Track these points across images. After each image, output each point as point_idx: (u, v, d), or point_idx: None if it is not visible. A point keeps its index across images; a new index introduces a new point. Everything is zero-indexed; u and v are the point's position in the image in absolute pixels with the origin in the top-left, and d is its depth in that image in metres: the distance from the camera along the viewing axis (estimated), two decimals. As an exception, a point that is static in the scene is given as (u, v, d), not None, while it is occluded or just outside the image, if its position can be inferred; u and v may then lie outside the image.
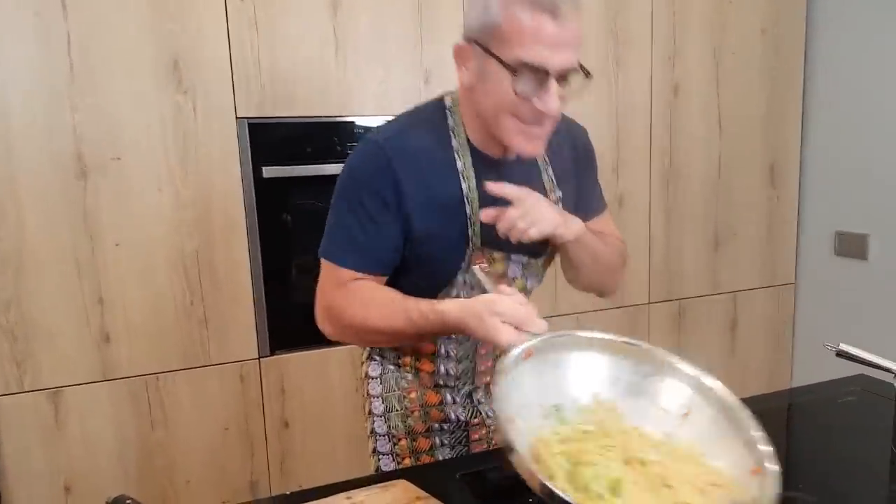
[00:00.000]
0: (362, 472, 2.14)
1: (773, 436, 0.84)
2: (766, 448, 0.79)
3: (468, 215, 1.09)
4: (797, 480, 0.95)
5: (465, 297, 1.05)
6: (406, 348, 1.22)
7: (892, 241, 2.37)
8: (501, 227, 1.01)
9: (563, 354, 0.91)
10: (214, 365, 1.92)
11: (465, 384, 1.24)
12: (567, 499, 0.65)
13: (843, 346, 1.05)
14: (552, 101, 0.97)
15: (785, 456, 0.96)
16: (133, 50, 1.75)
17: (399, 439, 1.24)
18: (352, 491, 0.88)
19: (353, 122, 1.99)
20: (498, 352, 1.17)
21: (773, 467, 0.77)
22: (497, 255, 1.13)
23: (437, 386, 1.22)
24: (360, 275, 1.09)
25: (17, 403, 1.77)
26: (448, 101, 1.12)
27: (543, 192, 1.13)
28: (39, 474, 1.81)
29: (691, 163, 2.46)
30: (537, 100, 0.97)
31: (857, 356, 1.05)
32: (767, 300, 2.67)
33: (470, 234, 1.09)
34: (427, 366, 1.21)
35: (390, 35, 1.99)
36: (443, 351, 1.19)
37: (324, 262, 1.12)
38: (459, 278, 1.11)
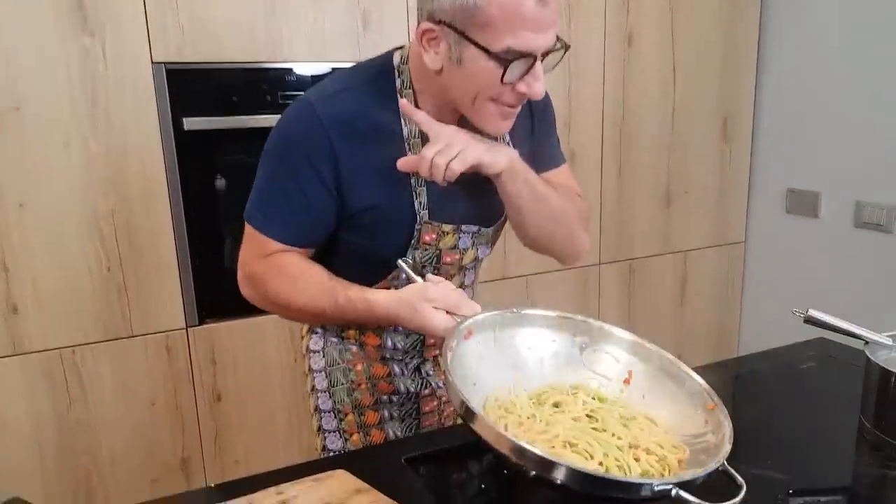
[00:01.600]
0: (303, 445, 2.11)
1: (734, 407, 0.84)
2: (711, 395, 0.87)
3: (413, 186, 1.04)
4: (766, 457, 0.94)
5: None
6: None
7: (843, 199, 2.42)
8: (422, 170, 0.96)
9: (502, 332, 0.96)
10: (137, 336, 1.82)
11: (412, 357, 1.20)
12: (535, 451, 0.70)
13: (812, 312, 1.04)
14: (539, 85, 0.95)
15: (750, 428, 0.96)
16: (29, -16, 1.60)
17: (346, 414, 1.21)
18: (283, 484, 0.82)
19: (284, 68, 1.87)
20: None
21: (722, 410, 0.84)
22: (447, 227, 1.08)
23: (383, 359, 1.19)
24: (284, 246, 1.04)
25: (-87, 382, 1.65)
26: (397, 59, 1.05)
27: None
28: (-57, 459, 1.71)
29: (644, 115, 2.44)
30: (523, 84, 0.94)
31: (827, 323, 1.03)
32: (718, 259, 2.72)
33: (417, 206, 1.04)
34: (372, 339, 1.17)
35: (324, -27, 1.88)
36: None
37: (248, 227, 1.06)
38: (409, 255, 1.07)
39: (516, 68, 0.92)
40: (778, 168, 2.63)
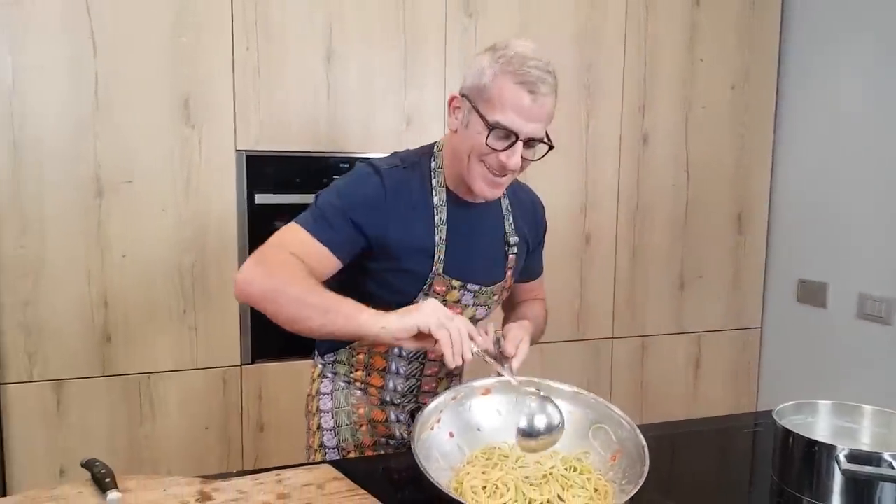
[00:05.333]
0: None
1: (668, 458, 1.15)
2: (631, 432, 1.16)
3: (435, 244, 1.38)
4: (678, 498, 1.21)
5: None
6: (359, 363, 1.49)
7: (848, 290, 2.77)
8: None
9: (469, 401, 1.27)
10: (200, 368, 2.38)
11: (409, 402, 1.49)
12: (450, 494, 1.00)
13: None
14: (514, 157, 1.28)
15: (672, 476, 1.29)
16: (150, 88, 2.24)
17: (348, 452, 1.49)
18: (283, 470, 1.19)
19: (340, 157, 2.47)
20: (442, 374, 1.52)
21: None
22: (455, 282, 1.41)
23: (383, 403, 1.49)
24: (320, 248, 1.30)
25: (25, 391, 2.23)
26: (437, 147, 1.44)
27: (504, 234, 1.48)
28: (39, 458, 2.25)
29: (658, 207, 2.90)
30: (503, 154, 1.28)
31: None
32: (732, 342, 3.09)
33: (435, 259, 1.38)
34: (376, 380, 1.48)
35: (377, 83, 2.48)
36: (392, 367, 1.47)
37: (289, 227, 1.34)
38: (419, 299, 1.38)
39: (499, 138, 1.27)
40: (790, 258, 3.01)
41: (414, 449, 1.07)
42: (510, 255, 1.50)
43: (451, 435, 1.21)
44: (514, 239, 1.50)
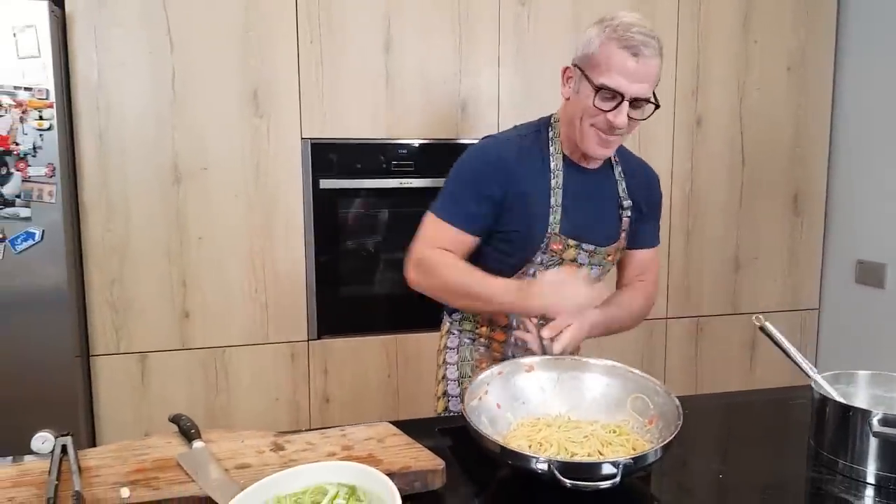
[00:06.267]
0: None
1: (711, 424, 1.18)
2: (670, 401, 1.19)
3: (551, 205, 1.49)
4: (717, 460, 1.26)
5: (540, 275, 1.48)
6: (483, 318, 1.62)
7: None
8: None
9: (564, 373, 1.34)
10: (270, 343, 2.53)
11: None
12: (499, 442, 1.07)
13: (766, 325, 1.37)
14: (621, 116, 1.38)
15: (713, 439, 1.34)
16: (222, 81, 2.39)
17: None
18: (348, 427, 1.28)
19: (398, 143, 2.58)
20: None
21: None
22: (571, 241, 1.50)
23: (504, 358, 1.58)
24: (456, 231, 1.48)
25: (112, 363, 2.42)
26: (553, 118, 1.56)
27: (618, 198, 1.57)
28: (126, 424, 2.44)
29: (712, 189, 2.91)
30: (611, 114, 1.39)
31: (775, 338, 1.36)
32: (789, 323, 3.07)
33: (551, 220, 1.49)
34: (499, 335, 1.60)
35: (433, 70, 2.57)
36: (514, 322, 1.56)
37: (429, 219, 1.51)
38: (538, 258, 1.50)
39: (606, 99, 1.38)
40: (848, 239, 2.99)
41: (464, 409, 1.15)
42: (624, 218, 1.59)
43: (498, 406, 1.29)
44: (627, 202, 1.59)
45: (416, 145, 2.59)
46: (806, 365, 1.34)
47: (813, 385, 1.29)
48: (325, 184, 2.51)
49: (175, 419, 1.29)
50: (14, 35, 2.10)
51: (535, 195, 1.49)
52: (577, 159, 1.53)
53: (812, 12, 2.92)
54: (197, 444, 1.18)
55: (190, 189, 2.41)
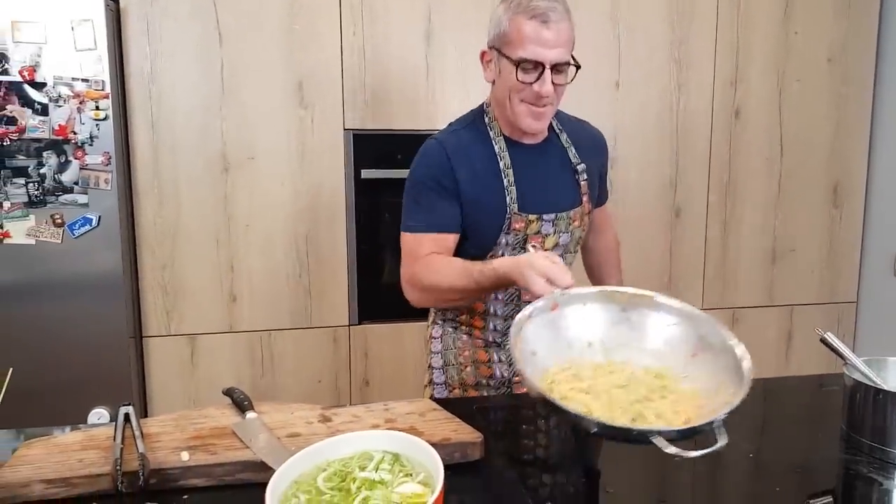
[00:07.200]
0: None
1: (750, 410, 1.10)
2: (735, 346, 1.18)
3: (505, 186, 1.53)
4: (750, 441, 1.26)
5: (508, 256, 1.49)
6: (462, 308, 1.64)
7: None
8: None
9: (586, 307, 1.23)
10: (314, 327, 2.61)
11: (508, 341, 1.68)
12: (555, 402, 0.99)
13: (827, 335, 1.36)
14: (546, 85, 1.42)
15: (756, 427, 1.35)
16: (268, 73, 2.46)
17: (453, 388, 1.69)
18: (390, 402, 1.35)
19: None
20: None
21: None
22: (532, 216, 1.54)
23: (486, 344, 1.65)
24: (434, 236, 1.51)
25: (163, 344, 2.52)
26: (485, 105, 1.61)
27: (570, 163, 1.60)
28: (176, 402, 2.54)
29: (750, 180, 2.90)
30: (535, 85, 1.42)
31: (834, 346, 1.34)
32: (826, 316, 3.05)
33: (508, 201, 1.52)
34: (478, 322, 1.64)
35: (472, 63, 2.60)
36: (491, 309, 1.61)
37: (405, 238, 1.56)
38: (502, 240, 1.54)
39: (528, 71, 1.41)
40: (887, 232, 2.95)
41: (511, 343, 1.13)
42: (581, 182, 1.63)
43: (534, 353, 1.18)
44: (581, 166, 1.62)
45: (456, 136, 2.63)
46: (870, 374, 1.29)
47: (845, 370, 1.31)
48: (367, 174, 2.57)
49: (228, 392, 1.36)
50: (72, 29, 2.19)
51: (487, 181, 1.53)
52: (518, 137, 1.57)
53: (854, 4, 2.88)
54: (250, 414, 1.25)
55: (238, 177, 2.49)
